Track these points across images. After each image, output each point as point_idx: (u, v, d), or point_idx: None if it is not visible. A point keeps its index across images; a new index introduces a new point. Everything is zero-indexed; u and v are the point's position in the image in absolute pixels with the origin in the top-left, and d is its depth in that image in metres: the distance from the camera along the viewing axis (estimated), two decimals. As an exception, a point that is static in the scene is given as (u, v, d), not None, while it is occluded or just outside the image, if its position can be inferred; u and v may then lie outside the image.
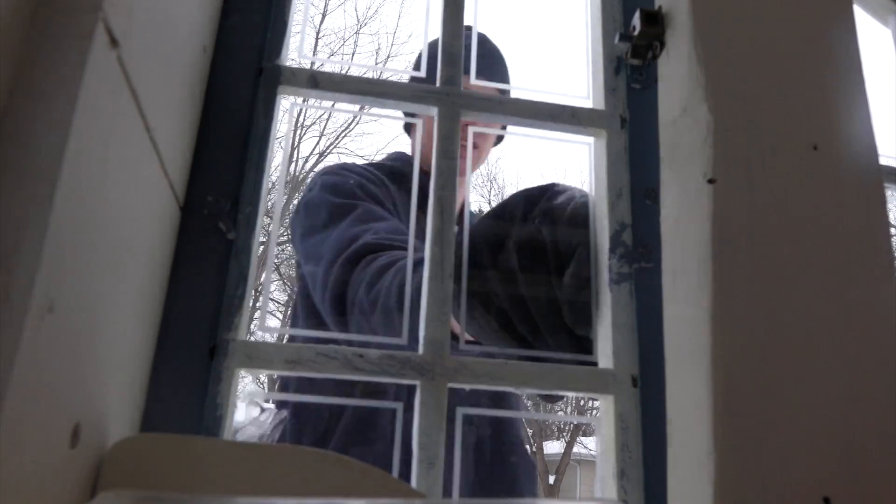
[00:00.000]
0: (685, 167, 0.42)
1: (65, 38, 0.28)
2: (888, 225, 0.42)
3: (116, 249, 0.36)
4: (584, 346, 0.69)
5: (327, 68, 0.69)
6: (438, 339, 0.59)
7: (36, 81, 0.27)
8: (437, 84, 0.72)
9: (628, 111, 0.74)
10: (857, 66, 0.44)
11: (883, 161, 0.60)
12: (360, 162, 1.45)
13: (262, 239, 0.60)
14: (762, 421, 0.35)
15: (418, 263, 0.73)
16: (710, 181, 0.39)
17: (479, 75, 1.10)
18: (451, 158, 0.68)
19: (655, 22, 0.45)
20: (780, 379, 0.37)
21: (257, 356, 0.53)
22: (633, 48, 0.46)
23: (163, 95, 0.41)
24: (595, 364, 0.65)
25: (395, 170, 1.35)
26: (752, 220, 0.39)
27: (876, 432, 0.37)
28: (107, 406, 0.38)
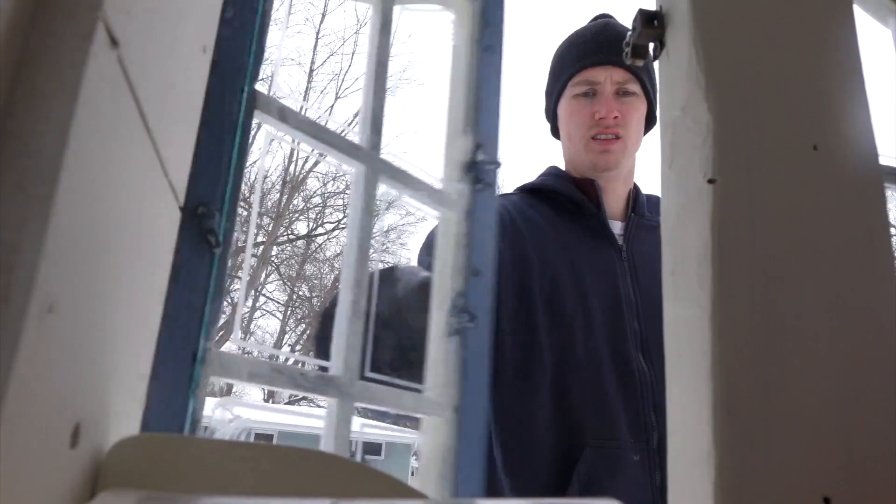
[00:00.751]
0: (685, 167, 0.42)
1: (65, 39, 0.28)
2: (888, 225, 0.42)
3: (117, 249, 0.36)
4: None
5: (292, 104, 0.75)
6: (352, 366, 0.75)
7: (36, 82, 0.28)
8: (363, 145, 0.88)
9: (470, 203, 0.99)
10: (857, 66, 0.44)
11: (883, 161, 0.59)
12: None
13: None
14: (762, 421, 0.35)
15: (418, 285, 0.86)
16: (710, 181, 0.39)
17: (610, 63, 1.15)
18: (370, 214, 0.83)
19: (655, 22, 0.45)
20: (780, 379, 0.36)
21: (227, 366, 0.59)
22: (633, 48, 0.46)
23: (163, 95, 0.41)
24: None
25: (535, 188, 1.29)
26: (752, 220, 0.39)
27: (876, 432, 0.37)
28: (107, 406, 0.38)
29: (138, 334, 0.45)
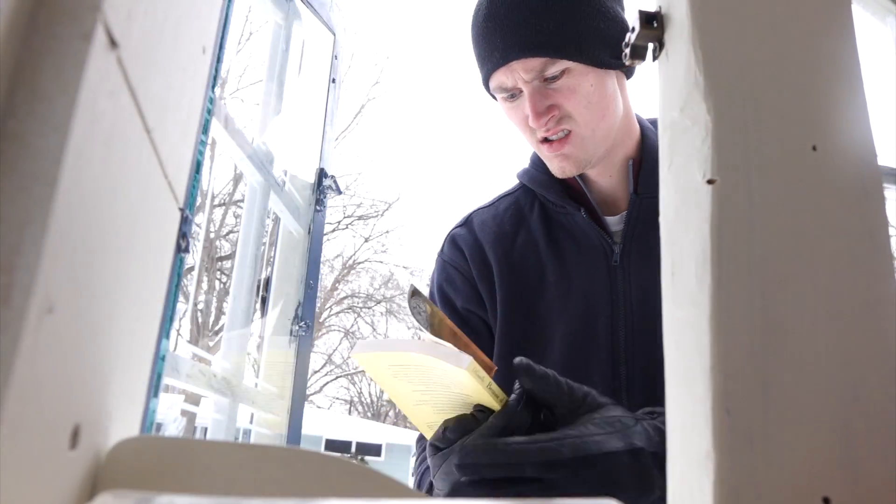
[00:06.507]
0: (684, 168, 0.42)
1: (64, 40, 0.28)
2: (888, 225, 0.42)
3: (116, 250, 0.36)
4: None
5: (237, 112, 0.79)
6: (240, 371, 0.90)
7: (36, 82, 0.28)
8: (263, 161, 1.08)
9: (311, 224, 1.23)
10: (855, 66, 0.44)
11: (883, 161, 0.59)
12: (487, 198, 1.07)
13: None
14: (762, 421, 0.35)
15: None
16: (710, 182, 0.39)
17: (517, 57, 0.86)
18: (262, 224, 1.17)
19: (654, 23, 0.45)
20: (780, 379, 0.37)
21: (175, 368, 0.69)
22: (632, 49, 0.46)
23: (163, 96, 0.41)
24: None
25: (511, 206, 1.04)
26: (751, 221, 0.39)
27: (876, 432, 0.37)
28: (107, 406, 0.38)
29: (138, 335, 0.45)
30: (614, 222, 0.97)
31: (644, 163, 0.95)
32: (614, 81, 0.92)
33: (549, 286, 0.95)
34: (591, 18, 0.87)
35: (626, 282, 0.92)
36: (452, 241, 1.07)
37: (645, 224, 0.93)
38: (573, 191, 1.00)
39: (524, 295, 0.97)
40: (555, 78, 0.87)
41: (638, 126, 0.99)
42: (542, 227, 0.98)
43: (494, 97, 0.95)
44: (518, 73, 0.87)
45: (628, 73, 0.96)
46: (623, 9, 0.94)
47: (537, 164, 1.02)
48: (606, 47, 0.88)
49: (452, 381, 0.66)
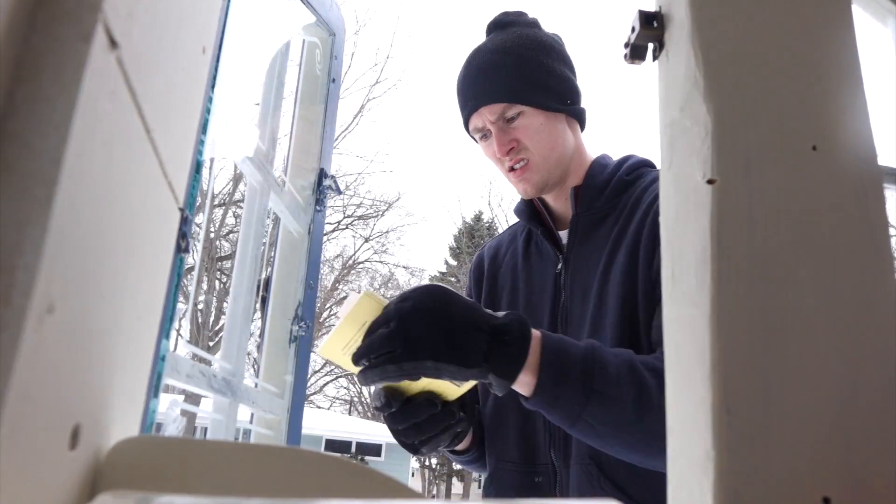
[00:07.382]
0: (684, 168, 0.42)
1: (64, 40, 0.28)
2: (888, 225, 0.42)
3: (116, 250, 0.36)
4: None
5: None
6: (240, 371, 0.91)
7: (36, 83, 0.28)
8: (263, 161, 1.06)
9: (311, 224, 1.27)
10: (856, 66, 0.44)
11: (883, 161, 0.60)
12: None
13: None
14: (762, 421, 0.36)
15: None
16: (710, 181, 0.39)
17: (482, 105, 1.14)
18: (262, 225, 1.14)
19: (654, 23, 0.45)
20: (780, 379, 0.37)
21: (175, 368, 0.70)
22: (632, 49, 0.46)
23: (163, 96, 0.41)
24: None
25: (511, 233, 1.34)
26: (751, 221, 0.39)
27: (876, 432, 0.37)
28: (107, 407, 0.38)
29: (138, 335, 0.45)
30: (565, 236, 1.22)
31: (583, 188, 1.19)
32: (564, 124, 1.19)
33: (519, 291, 1.23)
34: (540, 75, 1.15)
35: (565, 285, 1.16)
36: (471, 266, 1.39)
37: (582, 238, 1.17)
38: (540, 215, 1.27)
39: (502, 298, 1.25)
40: (513, 119, 1.15)
41: (589, 161, 1.24)
42: (524, 245, 1.27)
43: (475, 139, 1.22)
44: (486, 116, 1.15)
45: (581, 120, 1.23)
46: (572, 71, 1.21)
47: (520, 202, 1.32)
48: (553, 97, 1.16)
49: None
